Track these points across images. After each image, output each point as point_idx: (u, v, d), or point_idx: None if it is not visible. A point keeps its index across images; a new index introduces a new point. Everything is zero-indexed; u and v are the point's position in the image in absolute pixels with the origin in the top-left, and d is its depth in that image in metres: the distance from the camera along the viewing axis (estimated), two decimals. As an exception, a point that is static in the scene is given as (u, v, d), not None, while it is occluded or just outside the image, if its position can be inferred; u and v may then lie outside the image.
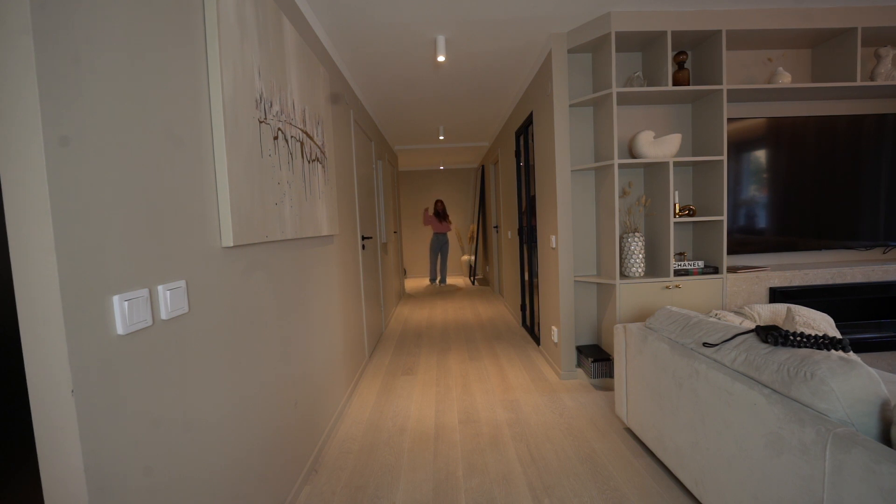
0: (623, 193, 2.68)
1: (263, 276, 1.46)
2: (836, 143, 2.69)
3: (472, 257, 7.84)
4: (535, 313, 3.75)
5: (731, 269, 2.64)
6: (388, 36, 2.55)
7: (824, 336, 1.20)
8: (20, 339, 0.71)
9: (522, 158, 4.02)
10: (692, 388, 1.46)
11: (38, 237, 0.69)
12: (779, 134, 2.67)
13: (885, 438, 0.97)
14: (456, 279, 8.16)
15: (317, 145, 2.04)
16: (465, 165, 8.34)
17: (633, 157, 2.56)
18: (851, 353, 1.28)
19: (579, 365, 2.86)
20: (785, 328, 1.76)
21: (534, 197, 3.52)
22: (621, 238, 2.59)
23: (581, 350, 2.82)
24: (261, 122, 1.40)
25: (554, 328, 2.94)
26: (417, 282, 7.96)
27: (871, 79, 2.56)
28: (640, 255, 2.53)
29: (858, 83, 2.45)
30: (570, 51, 2.64)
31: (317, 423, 1.97)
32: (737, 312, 2.01)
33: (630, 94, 2.48)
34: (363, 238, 3.35)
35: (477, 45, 2.72)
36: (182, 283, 1.00)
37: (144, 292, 0.87)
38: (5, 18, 0.66)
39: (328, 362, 2.21)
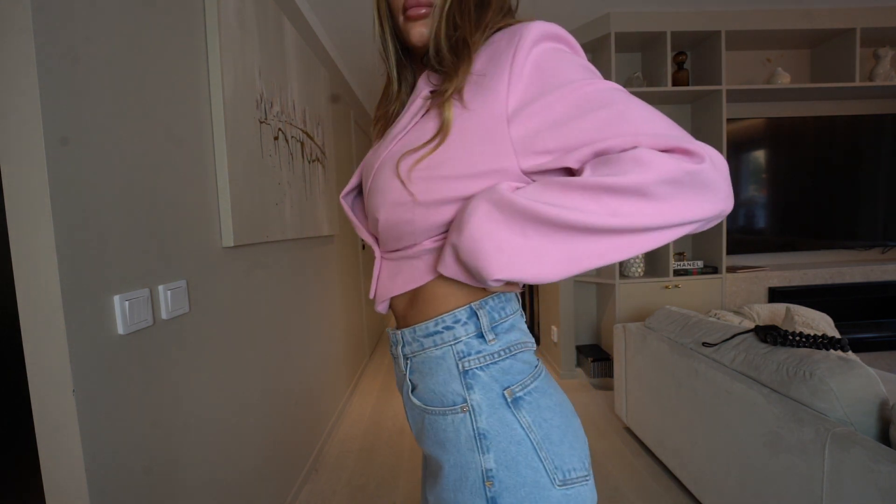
0: (622, 193, 2.68)
1: (264, 275, 1.46)
2: (835, 144, 2.70)
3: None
4: (535, 312, 3.75)
5: (731, 269, 2.64)
6: (387, 36, 2.54)
7: (823, 336, 1.20)
8: (21, 339, 0.71)
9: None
10: (691, 388, 1.46)
11: (39, 237, 0.69)
12: (778, 134, 2.67)
13: (884, 438, 0.97)
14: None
15: (317, 145, 2.04)
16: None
17: (633, 157, 2.56)
18: (850, 352, 1.28)
19: (579, 365, 2.86)
20: (784, 328, 1.76)
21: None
22: (621, 238, 2.58)
23: (580, 350, 2.82)
24: (261, 123, 1.41)
25: (553, 328, 2.95)
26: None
27: (870, 79, 2.56)
28: (640, 255, 2.54)
29: (857, 84, 2.46)
30: (569, 51, 2.64)
31: (317, 422, 1.97)
32: (736, 312, 2.01)
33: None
34: (363, 238, 3.35)
35: (477, 45, 2.72)
36: (183, 283, 1.00)
37: (145, 292, 0.87)
38: (6, 18, 0.66)
39: (328, 362, 2.21)
